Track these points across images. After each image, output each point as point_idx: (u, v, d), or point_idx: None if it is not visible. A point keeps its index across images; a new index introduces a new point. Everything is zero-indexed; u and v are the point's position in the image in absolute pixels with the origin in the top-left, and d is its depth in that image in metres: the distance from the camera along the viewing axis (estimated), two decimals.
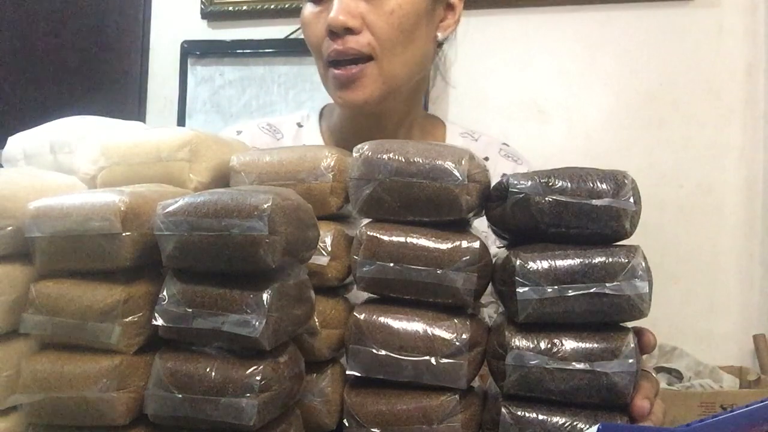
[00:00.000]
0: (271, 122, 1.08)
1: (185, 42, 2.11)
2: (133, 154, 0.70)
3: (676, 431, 0.56)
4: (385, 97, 0.91)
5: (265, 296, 0.54)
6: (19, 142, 0.76)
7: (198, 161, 0.69)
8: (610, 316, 0.61)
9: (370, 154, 0.65)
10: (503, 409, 0.62)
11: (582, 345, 0.61)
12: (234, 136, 1.01)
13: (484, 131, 1.10)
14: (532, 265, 0.61)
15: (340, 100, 0.92)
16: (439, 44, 0.99)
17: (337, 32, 0.87)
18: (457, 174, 0.63)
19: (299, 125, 1.07)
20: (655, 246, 1.65)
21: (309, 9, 0.93)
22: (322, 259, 0.66)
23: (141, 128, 0.78)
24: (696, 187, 1.78)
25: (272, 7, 2.06)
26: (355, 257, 0.65)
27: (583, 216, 0.62)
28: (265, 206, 0.53)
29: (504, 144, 1.09)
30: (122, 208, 0.57)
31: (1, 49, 2.23)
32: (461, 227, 0.66)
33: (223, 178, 0.72)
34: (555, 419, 0.61)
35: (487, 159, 0.93)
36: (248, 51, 2.10)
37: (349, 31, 0.87)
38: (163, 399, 0.55)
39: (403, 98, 0.97)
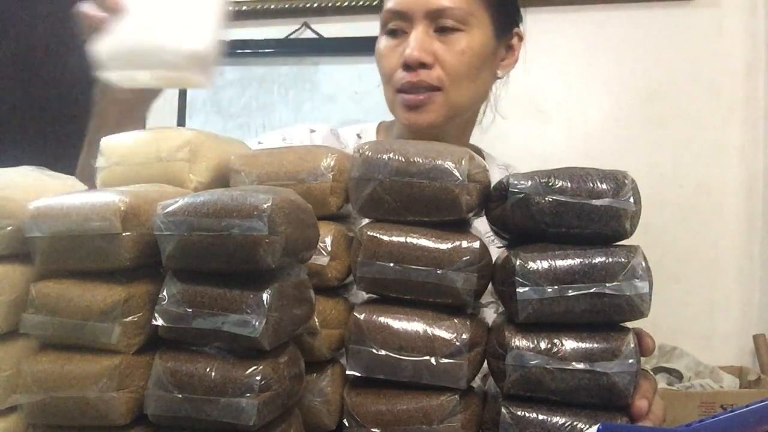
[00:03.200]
0: (339, 131, 1.15)
1: None
2: (133, 154, 0.70)
3: (676, 431, 0.56)
4: (447, 123, 1.00)
5: (265, 296, 0.54)
6: None
7: (198, 161, 0.69)
8: (610, 316, 0.61)
9: (370, 154, 0.65)
10: (503, 409, 0.62)
11: (582, 345, 0.61)
12: (307, 134, 1.09)
13: (519, 166, 1.13)
14: (532, 265, 0.61)
15: (407, 121, 1.00)
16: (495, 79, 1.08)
17: (412, 66, 0.96)
18: (457, 174, 0.63)
19: (359, 136, 1.14)
20: (655, 246, 1.65)
21: (384, 42, 1.01)
22: (322, 259, 0.66)
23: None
24: (696, 187, 1.78)
25: (272, 7, 2.06)
26: (355, 257, 0.65)
27: (583, 216, 0.62)
28: (265, 206, 0.53)
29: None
30: (122, 208, 0.57)
31: (1, 49, 2.23)
32: (461, 227, 0.66)
33: (223, 178, 0.72)
34: (555, 419, 0.61)
35: None
36: (248, 51, 2.10)
37: (422, 65, 0.96)
38: (163, 399, 0.55)
39: (460, 126, 1.06)
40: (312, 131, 1.11)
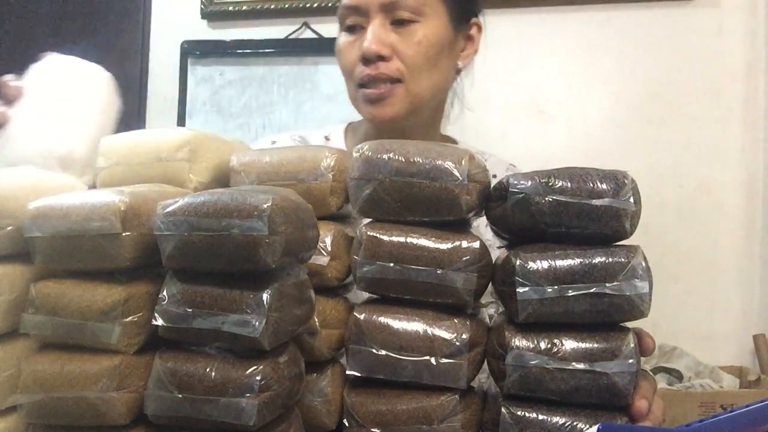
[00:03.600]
0: (303, 135, 1.15)
1: (185, 42, 2.11)
2: (133, 154, 0.70)
3: (676, 431, 0.56)
4: (409, 114, 1.00)
5: (265, 296, 0.54)
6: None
7: (198, 161, 0.69)
8: (610, 316, 0.61)
9: (370, 154, 0.65)
10: (503, 409, 0.62)
11: (582, 345, 0.61)
12: (268, 146, 1.08)
13: (495, 152, 1.15)
14: (532, 265, 0.61)
15: (370, 115, 1.01)
16: (458, 71, 1.08)
17: (370, 59, 0.97)
18: (457, 174, 0.63)
19: (326, 138, 1.14)
20: (655, 246, 1.65)
21: (343, 38, 1.02)
22: (322, 259, 0.66)
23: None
24: (696, 187, 1.78)
25: (272, 7, 2.06)
26: (355, 257, 0.65)
27: (583, 216, 0.62)
28: (265, 206, 0.53)
29: (511, 164, 1.14)
30: (122, 208, 0.57)
31: (1, 49, 2.24)
32: (461, 227, 0.66)
33: (223, 178, 0.72)
34: (555, 419, 0.61)
35: (495, 177, 0.97)
36: (248, 51, 2.10)
37: (381, 58, 0.96)
38: (163, 399, 0.55)
39: (425, 118, 1.06)
40: (273, 142, 1.12)
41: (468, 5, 1.05)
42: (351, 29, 1.01)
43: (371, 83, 0.98)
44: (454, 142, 1.14)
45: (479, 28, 1.07)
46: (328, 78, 2.04)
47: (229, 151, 0.73)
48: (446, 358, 0.62)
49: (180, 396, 0.55)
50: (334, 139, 1.14)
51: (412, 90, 0.98)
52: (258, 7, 2.07)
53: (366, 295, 0.68)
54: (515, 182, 0.63)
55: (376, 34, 0.96)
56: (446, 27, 1.00)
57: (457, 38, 1.04)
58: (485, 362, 0.65)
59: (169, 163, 0.68)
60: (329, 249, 0.67)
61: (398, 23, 0.97)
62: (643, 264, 0.61)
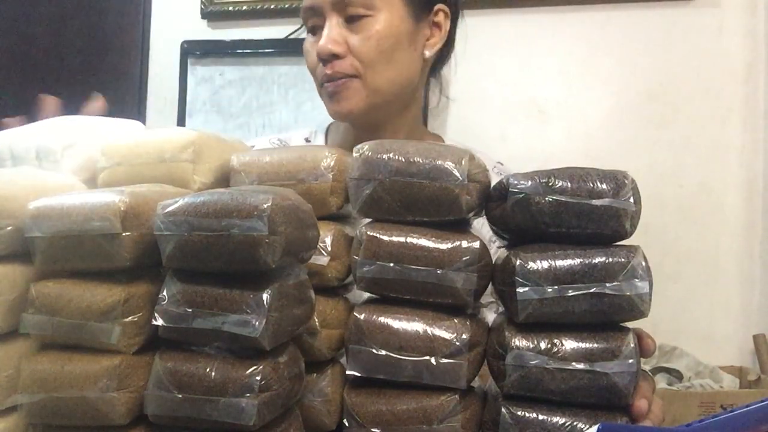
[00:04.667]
0: (282, 137, 1.17)
1: (185, 42, 2.11)
2: (135, 154, 0.70)
3: (676, 431, 0.56)
4: (371, 108, 1.01)
5: (265, 296, 0.54)
6: (6, 140, 0.75)
7: (201, 162, 0.69)
8: (610, 316, 0.61)
9: (370, 154, 0.65)
10: (503, 409, 0.62)
11: (582, 345, 0.61)
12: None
13: (481, 149, 1.14)
14: (532, 265, 0.61)
15: (331, 111, 1.02)
16: (439, 61, 1.08)
17: (325, 58, 0.98)
18: (457, 174, 0.63)
19: (307, 140, 1.15)
20: (655, 246, 1.65)
21: (308, 39, 1.05)
22: (322, 259, 0.66)
23: (137, 128, 0.78)
24: (696, 187, 1.78)
25: (272, 7, 2.06)
26: (355, 257, 0.65)
27: (583, 216, 0.62)
28: (265, 206, 0.53)
29: (499, 162, 1.15)
30: (122, 208, 0.57)
31: (1, 48, 2.23)
32: (461, 227, 0.66)
33: (225, 178, 0.72)
34: (555, 419, 0.61)
35: None
36: (248, 51, 2.10)
37: (335, 56, 0.98)
38: (163, 399, 0.55)
39: (396, 111, 1.06)
40: (252, 147, 1.12)
41: None
42: (312, 30, 1.03)
43: (330, 81, 0.99)
44: (440, 138, 1.14)
45: (446, 15, 1.06)
46: None
47: (231, 151, 0.73)
48: (446, 358, 0.62)
49: (180, 396, 0.55)
50: (314, 141, 1.15)
51: (370, 84, 0.99)
52: (258, 7, 2.06)
53: (366, 295, 0.68)
54: (515, 182, 0.63)
55: (329, 34, 0.98)
56: (402, 18, 1.00)
57: (420, 27, 1.03)
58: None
59: (173, 164, 0.68)
60: (329, 249, 0.67)
61: (351, 20, 0.98)
62: (643, 264, 0.61)
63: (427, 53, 1.05)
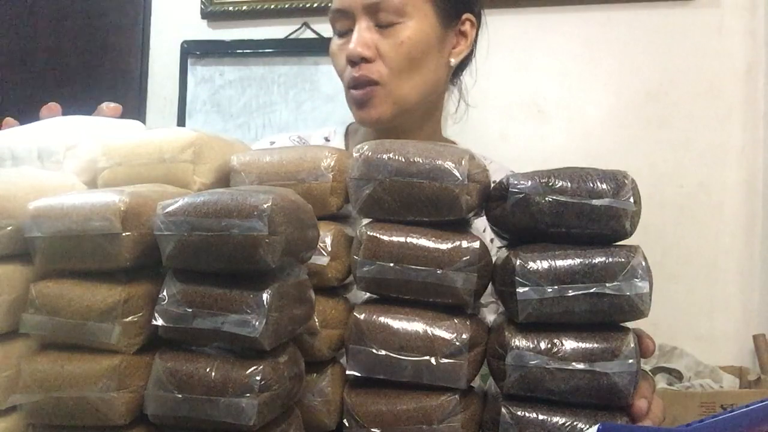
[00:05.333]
0: (302, 135, 1.16)
1: (185, 42, 2.11)
2: (136, 155, 0.70)
3: (676, 431, 0.56)
4: (396, 115, 1.00)
5: (265, 296, 0.54)
6: (7, 141, 0.75)
7: (202, 162, 0.69)
8: (610, 316, 0.61)
9: (370, 154, 0.65)
10: (503, 409, 0.62)
11: (582, 345, 0.61)
12: (267, 147, 1.09)
13: (496, 158, 1.14)
14: (532, 265, 0.61)
15: (357, 117, 1.03)
16: (452, 68, 1.07)
17: (354, 61, 0.98)
18: (457, 174, 0.63)
19: (326, 139, 1.15)
20: (655, 246, 1.65)
21: (335, 41, 1.04)
22: (322, 259, 0.66)
23: (138, 128, 0.78)
24: (696, 187, 1.78)
25: (272, 7, 2.06)
26: (355, 257, 0.65)
27: (583, 216, 0.62)
28: (265, 206, 0.53)
29: (512, 171, 1.13)
30: (122, 208, 0.57)
31: (1, 48, 2.24)
32: (461, 227, 0.66)
33: (225, 178, 0.71)
34: (555, 419, 0.61)
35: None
36: (248, 51, 2.10)
37: (365, 59, 0.98)
38: (163, 399, 0.55)
39: (419, 118, 1.06)
40: (272, 143, 1.13)
41: (458, 1, 1.05)
42: (341, 33, 1.03)
43: (357, 85, 0.99)
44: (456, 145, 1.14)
45: (472, 24, 1.07)
46: (328, 78, 2.04)
47: (231, 151, 0.73)
48: (446, 358, 0.62)
49: (180, 396, 0.55)
50: (334, 140, 1.15)
51: (394, 92, 0.99)
52: (258, 7, 2.07)
53: (366, 295, 0.68)
54: (515, 182, 0.63)
55: (359, 36, 0.98)
56: (433, 25, 1.00)
57: (447, 35, 1.03)
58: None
59: (173, 164, 0.68)
60: (329, 249, 0.67)
61: (382, 25, 0.98)
62: (643, 264, 0.61)
63: (453, 61, 1.05)
